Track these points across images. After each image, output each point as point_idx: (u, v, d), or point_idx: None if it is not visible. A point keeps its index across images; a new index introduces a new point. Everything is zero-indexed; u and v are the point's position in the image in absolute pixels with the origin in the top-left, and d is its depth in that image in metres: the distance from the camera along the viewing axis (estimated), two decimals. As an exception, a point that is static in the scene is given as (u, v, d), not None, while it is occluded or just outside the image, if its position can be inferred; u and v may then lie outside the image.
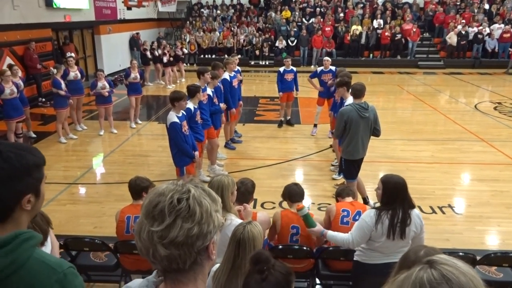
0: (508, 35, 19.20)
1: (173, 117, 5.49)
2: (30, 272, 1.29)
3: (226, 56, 19.35)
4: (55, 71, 8.80)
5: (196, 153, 5.84)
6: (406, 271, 1.05)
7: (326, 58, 9.46)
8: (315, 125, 9.60)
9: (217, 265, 2.39)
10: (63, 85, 8.72)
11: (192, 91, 6.16)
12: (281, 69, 9.58)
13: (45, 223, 3.01)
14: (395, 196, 3.22)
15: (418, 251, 2.11)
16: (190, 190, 1.11)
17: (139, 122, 10.55)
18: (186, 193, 1.10)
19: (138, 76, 10.20)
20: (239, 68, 8.93)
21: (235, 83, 8.31)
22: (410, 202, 3.25)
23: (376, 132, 5.49)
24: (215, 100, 7.26)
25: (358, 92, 5.38)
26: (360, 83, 5.47)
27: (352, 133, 5.33)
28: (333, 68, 9.07)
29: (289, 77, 9.47)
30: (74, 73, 9.49)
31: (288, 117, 10.22)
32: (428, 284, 0.98)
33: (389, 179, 3.29)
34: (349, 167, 5.56)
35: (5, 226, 1.35)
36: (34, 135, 9.44)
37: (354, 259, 3.52)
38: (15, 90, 8.04)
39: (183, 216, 1.07)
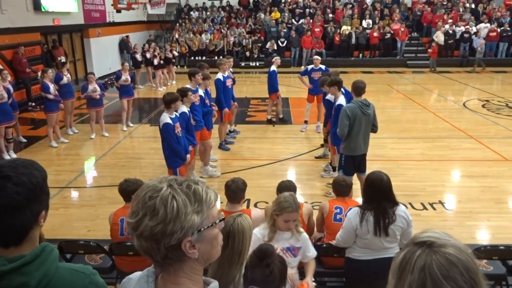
0: (495, 33, 19.49)
1: (166, 118, 5.51)
2: (64, 280, 1.38)
3: (216, 58, 19.46)
4: (39, 74, 8.77)
5: (188, 155, 5.85)
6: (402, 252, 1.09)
7: (316, 56, 9.90)
8: (306, 122, 9.86)
9: None
10: (51, 89, 8.66)
11: (181, 95, 6.08)
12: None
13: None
14: (375, 193, 3.30)
15: None
16: (161, 189, 1.15)
17: (131, 125, 10.53)
18: (157, 191, 1.15)
19: (129, 79, 10.19)
20: (231, 69, 9.00)
21: (228, 83, 8.39)
22: (392, 199, 3.31)
23: (374, 128, 5.62)
24: (206, 101, 7.30)
25: (360, 89, 5.49)
26: (361, 81, 5.58)
27: (356, 130, 5.44)
28: (323, 66, 9.41)
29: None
30: (67, 77, 9.46)
31: (281, 116, 10.57)
32: (438, 271, 1.00)
33: (370, 176, 3.37)
34: (349, 163, 5.66)
35: (22, 244, 1.38)
36: (24, 140, 9.38)
37: (346, 255, 3.58)
38: (5, 95, 7.98)
39: (149, 214, 1.13)
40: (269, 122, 10.39)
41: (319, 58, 9.73)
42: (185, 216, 1.13)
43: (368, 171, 6.51)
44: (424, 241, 1.06)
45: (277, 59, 9.85)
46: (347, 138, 5.51)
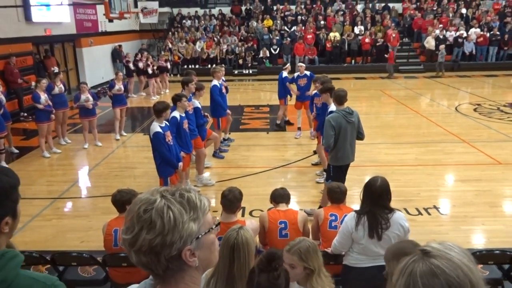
0: (481, 39, 19.72)
1: (156, 127, 5.49)
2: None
3: (209, 66, 19.52)
4: (33, 84, 8.72)
5: (180, 163, 5.82)
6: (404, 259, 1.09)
7: (300, 64, 10.38)
8: (299, 128, 9.97)
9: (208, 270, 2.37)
10: (42, 99, 8.60)
11: (174, 100, 6.26)
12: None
13: None
14: (367, 197, 3.31)
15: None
16: (155, 201, 1.14)
17: (124, 134, 10.47)
18: (151, 204, 1.13)
19: (123, 88, 10.16)
20: (223, 78, 9.06)
21: (223, 90, 8.49)
22: (386, 205, 3.30)
23: (360, 136, 5.57)
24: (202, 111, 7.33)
25: (342, 98, 5.44)
26: (342, 89, 5.53)
27: (342, 140, 5.36)
28: (307, 72, 9.64)
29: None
30: (59, 87, 9.40)
31: (286, 118, 10.88)
32: (419, 279, 1.02)
33: (368, 180, 3.37)
34: (338, 173, 5.60)
35: None
36: (16, 151, 9.29)
37: (343, 263, 3.56)
38: (-3, 105, 7.93)
39: (146, 227, 1.11)
40: (278, 126, 10.68)
41: (303, 65, 10.10)
42: (183, 225, 1.13)
43: (362, 177, 6.56)
44: (423, 249, 1.07)
45: (288, 66, 10.19)
46: (334, 148, 5.42)
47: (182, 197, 1.17)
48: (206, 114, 7.58)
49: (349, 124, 5.35)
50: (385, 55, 19.27)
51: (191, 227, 1.14)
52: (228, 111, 8.85)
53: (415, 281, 1.02)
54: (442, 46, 18.89)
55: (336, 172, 5.59)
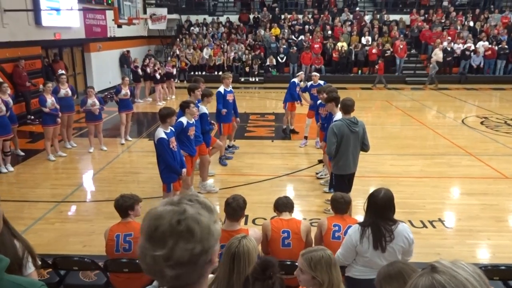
0: (490, 52, 19.68)
1: (160, 133, 5.49)
2: None
3: (216, 73, 19.63)
4: (41, 87, 8.78)
5: (184, 170, 5.80)
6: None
7: (314, 73, 10.28)
8: (305, 137, 9.93)
9: (211, 275, 2.35)
10: (48, 102, 8.64)
11: (182, 106, 6.27)
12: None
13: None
14: (371, 209, 3.28)
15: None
16: (186, 210, 1.13)
17: (130, 139, 10.50)
18: (183, 213, 1.12)
19: (129, 93, 10.21)
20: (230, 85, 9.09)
21: (229, 97, 8.46)
22: (389, 217, 3.27)
23: (364, 147, 5.55)
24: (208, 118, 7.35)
25: (348, 107, 5.45)
26: (349, 98, 5.53)
27: (343, 148, 5.36)
28: (321, 82, 9.62)
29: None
30: (65, 90, 9.44)
31: (292, 127, 10.89)
32: None
33: (372, 192, 3.34)
34: (340, 182, 5.58)
35: None
36: (22, 153, 9.33)
37: (346, 274, 3.52)
38: (3, 108, 7.98)
39: (184, 238, 1.09)
40: (283, 132, 10.79)
41: (317, 74, 10.06)
42: (212, 229, 1.15)
43: (366, 188, 6.51)
44: (432, 265, 1.08)
45: (301, 74, 10.37)
46: (335, 156, 5.44)
47: (200, 203, 1.18)
48: (212, 121, 7.61)
49: (352, 133, 5.34)
50: (376, 66, 19.42)
51: (217, 229, 1.17)
52: (237, 118, 8.92)
53: None
54: (433, 59, 19.01)
55: (338, 181, 5.59)
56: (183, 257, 1.09)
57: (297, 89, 10.00)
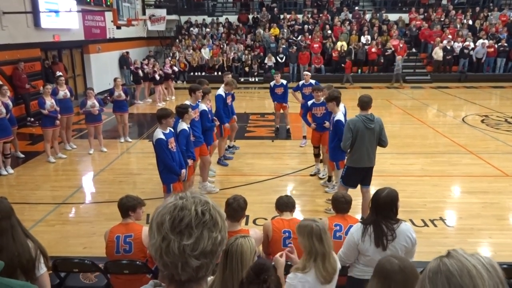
0: (492, 49, 19.65)
1: (159, 134, 5.47)
2: None
3: (216, 73, 19.61)
4: (41, 89, 8.78)
5: (183, 170, 5.76)
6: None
7: (306, 72, 10.46)
8: (304, 137, 9.89)
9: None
10: (47, 104, 8.63)
11: (181, 112, 6.03)
12: (272, 83, 10.43)
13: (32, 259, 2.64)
14: (373, 207, 3.31)
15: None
16: (208, 201, 1.18)
17: (130, 140, 10.50)
18: (206, 204, 1.17)
19: (122, 94, 10.18)
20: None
21: (228, 100, 8.44)
22: (391, 216, 3.26)
23: (382, 143, 5.62)
24: (209, 115, 7.32)
25: (365, 104, 5.51)
26: (367, 95, 5.61)
27: (359, 143, 5.45)
28: (312, 81, 9.67)
29: (279, 91, 10.27)
30: (64, 92, 9.45)
31: (288, 127, 10.97)
32: (427, 273, 1.12)
33: (376, 191, 3.34)
34: (351, 174, 5.67)
35: None
36: (22, 155, 9.32)
37: (348, 274, 3.51)
38: (3, 110, 7.97)
39: (209, 227, 1.14)
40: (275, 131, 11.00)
41: (309, 73, 10.16)
42: (225, 223, 1.21)
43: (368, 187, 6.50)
44: (448, 251, 1.15)
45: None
46: (350, 150, 5.56)
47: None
48: (214, 118, 7.56)
49: (367, 129, 5.41)
50: (342, 65, 19.63)
51: (225, 223, 1.21)
52: (234, 116, 8.90)
53: (425, 276, 1.12)
54: (399, 57, 19.14)
55: (349, 172, 5.69)
56: (208, 246, 1.12)
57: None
